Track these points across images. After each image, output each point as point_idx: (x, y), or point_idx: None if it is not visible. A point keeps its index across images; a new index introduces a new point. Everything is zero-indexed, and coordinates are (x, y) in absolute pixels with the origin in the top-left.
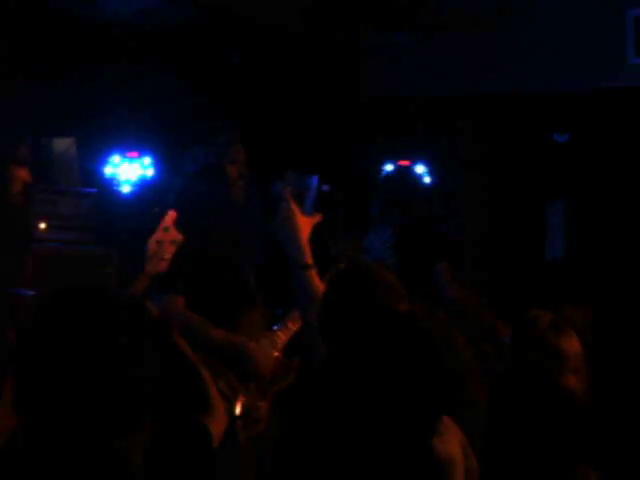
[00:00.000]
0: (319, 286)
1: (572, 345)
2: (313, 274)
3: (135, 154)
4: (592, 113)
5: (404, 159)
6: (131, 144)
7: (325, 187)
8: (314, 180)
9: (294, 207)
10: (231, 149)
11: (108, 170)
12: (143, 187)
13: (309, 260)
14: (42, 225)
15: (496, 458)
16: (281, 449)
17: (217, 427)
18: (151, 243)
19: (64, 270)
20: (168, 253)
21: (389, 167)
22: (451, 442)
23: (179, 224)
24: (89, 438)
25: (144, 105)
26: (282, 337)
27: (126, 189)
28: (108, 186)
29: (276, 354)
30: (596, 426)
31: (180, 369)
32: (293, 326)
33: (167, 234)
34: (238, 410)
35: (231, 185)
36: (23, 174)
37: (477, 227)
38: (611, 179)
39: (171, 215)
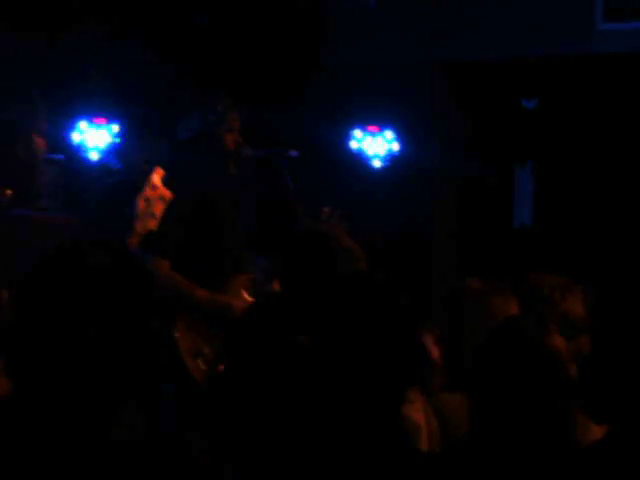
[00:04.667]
0: None
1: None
2: None
3: (103, 120)
4: (560, 79)
5: (372, 125)
6: (99, 111)
7: (293, 153)
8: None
9: None
10: (228, 117)
11: (75, 137)
12: (110, 153)
13: None
14: (8, 191)
15: (484, 414)
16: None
17: None
18: (140, 201)
19: (33, 237)
20: (157, 210)
21: (358, 133)
22: (418, 409)
23: (171, 186)
24: (77, 405)
25: (112, 71)
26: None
27: (94, 156)
28: (75, 153)
29: None
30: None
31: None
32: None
33: (155, 192)
34: None
35: (227, 155)
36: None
37: (445, 194)
38: (580, 145)
39: (158, 172)
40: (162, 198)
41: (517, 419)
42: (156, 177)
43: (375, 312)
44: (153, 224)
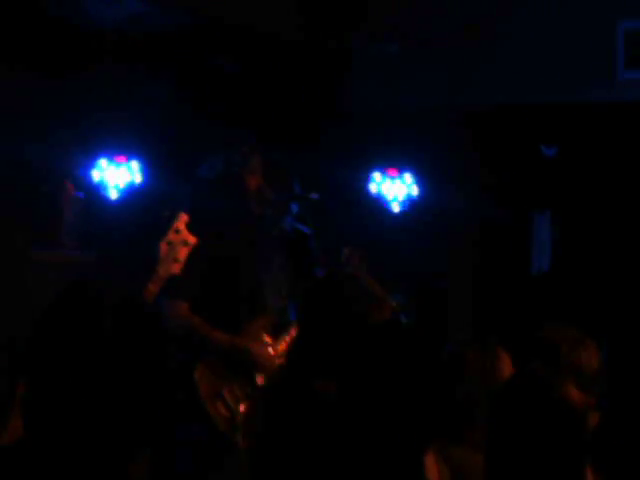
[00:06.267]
0: None
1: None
2: None
3: (123, 159)
4: (581, 127)
5: (391, 168)
6: (119, 149)
7: (314, 196)
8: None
9: None
10: (251, 159)
11: (96, 175)
12: (131, 193)
13: None
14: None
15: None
16: (262, 445)
17: None
18: (162, 245)
19: (50, 275)
20: (181, 255)
21: (377, 176)
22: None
23: (193, 228)
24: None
25: (132, 110)
26: (285, 345)
27: (114, 195)
28: (95, 191)
29: (279, 361)
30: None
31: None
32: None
33: (178, 236)
34: (240, 421)
35: (249, 196)
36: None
37: (463, 239)
38: (599, 194)
39: (183, 217)
40: (185, 242)
41: (532, 472)
42: (181, 222)
43: (400, 361)
44: (176, 269)
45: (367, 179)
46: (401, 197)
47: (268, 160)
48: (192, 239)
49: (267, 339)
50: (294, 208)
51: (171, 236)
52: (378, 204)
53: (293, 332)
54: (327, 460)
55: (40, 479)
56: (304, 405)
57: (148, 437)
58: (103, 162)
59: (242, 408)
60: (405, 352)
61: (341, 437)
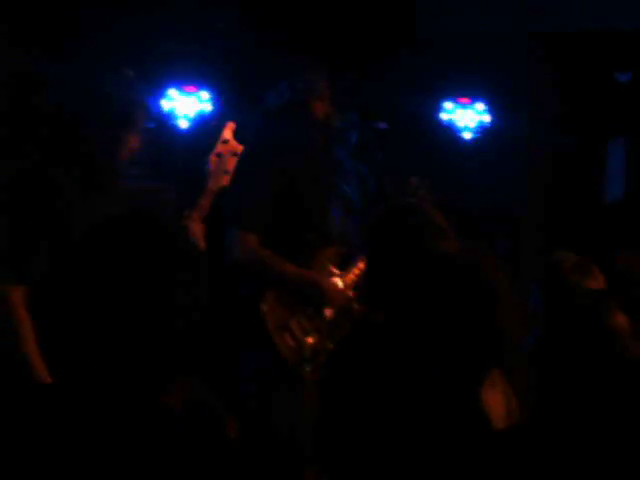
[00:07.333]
0: None
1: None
2: None
3: (193, 88)
4: None
5: (463, 96)
6: (189, 78)
7: (382, 125)
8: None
9: None
10: (319, 86)
11: (166, 104)
12: (201, 122)
13: None
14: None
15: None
16: (329, 399)
17: None
18: (212, 157)
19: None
20: (230, 166)
21: (448, 104)
22: (496, 393)
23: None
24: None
25: (202, 38)
26: (353, 277)
27: (184, 124)
28: (166, 120)
29: (349, 293)
30: None
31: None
32: (364, 267)
33: (226, 146)
34: (308, 353)
35: (316, 125)
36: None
37: (538, 167)
38: None
39: (230, 126)
40: (234, 153)
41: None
42: (227, 132)
43: (455, 293)
44: (226, 180)
45: (438, 108)
46: (473, 125)
47: (336, 86)
48: (240, 148)
49: (335, 271)
50: (353, 137)
51: (219, 147)
52: (449, 132)
53: (361, 265)
54: (390, 395)
55: (71, 411)
56: (370, 341)
57: (181, 367)
58: (172, 92)
59: (310, 340)
60: (467, 284)
61: (395, 364)
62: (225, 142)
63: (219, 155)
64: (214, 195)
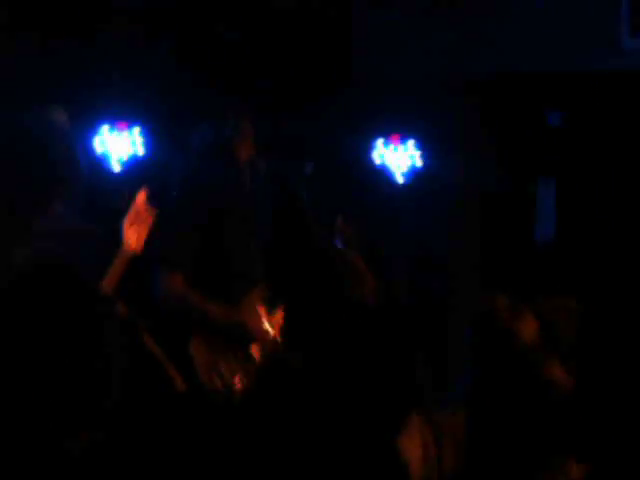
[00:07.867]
0: None
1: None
2: None
3: (124, 125)
4: (585, 95)
5: (395, 136)
6: (120, 115)
7: (309, 167)
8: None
9: None
10: (241, 128)
11: (98, 144)
12: (134, 165)
13: None
14: None
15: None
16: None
17: None
18: (125, 223)
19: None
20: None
21: (379, 142)
22: (414, 438)
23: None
24: (40, 429)
25: (134, 76)
26: (279, 318)
27: (117, 167)
28: (98, 163)
29: (273, 334)
30: (579, 417)
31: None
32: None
33: (139, 215)
34: (235, 392)
35: (240, 167)
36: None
37: (467, 208)
38: (603, 162)
39: (141, 195)
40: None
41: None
42: (139, 200)
43: (370, 340)
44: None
45: (370, 147)
46: (405, 165)
47: (264, 127)
48: (153, 213)
49: (262, 312)
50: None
51: (132, 215)
52: (381, 173)
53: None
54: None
55: None
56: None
57: (91, 415)
58: (105, 129)
59: (237, 380)
60: (379, 332)
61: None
62: (137, 211)
63: (132, 221)
64: (127, 259)
